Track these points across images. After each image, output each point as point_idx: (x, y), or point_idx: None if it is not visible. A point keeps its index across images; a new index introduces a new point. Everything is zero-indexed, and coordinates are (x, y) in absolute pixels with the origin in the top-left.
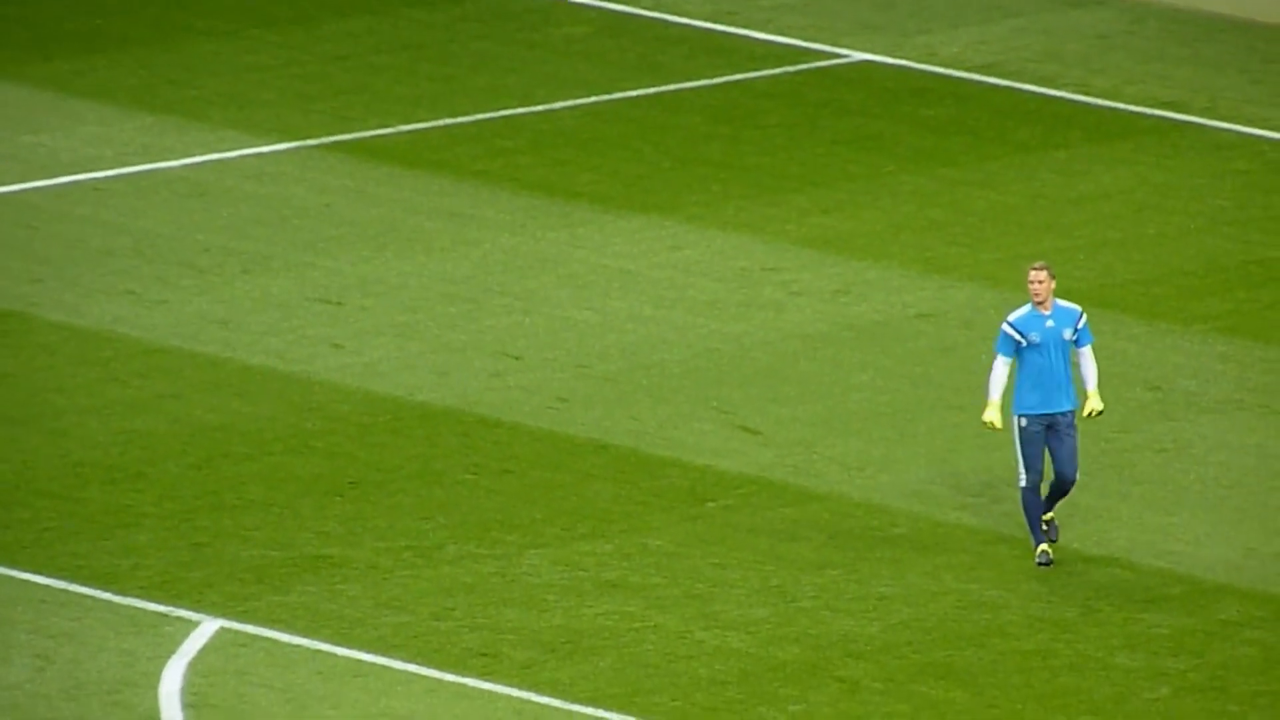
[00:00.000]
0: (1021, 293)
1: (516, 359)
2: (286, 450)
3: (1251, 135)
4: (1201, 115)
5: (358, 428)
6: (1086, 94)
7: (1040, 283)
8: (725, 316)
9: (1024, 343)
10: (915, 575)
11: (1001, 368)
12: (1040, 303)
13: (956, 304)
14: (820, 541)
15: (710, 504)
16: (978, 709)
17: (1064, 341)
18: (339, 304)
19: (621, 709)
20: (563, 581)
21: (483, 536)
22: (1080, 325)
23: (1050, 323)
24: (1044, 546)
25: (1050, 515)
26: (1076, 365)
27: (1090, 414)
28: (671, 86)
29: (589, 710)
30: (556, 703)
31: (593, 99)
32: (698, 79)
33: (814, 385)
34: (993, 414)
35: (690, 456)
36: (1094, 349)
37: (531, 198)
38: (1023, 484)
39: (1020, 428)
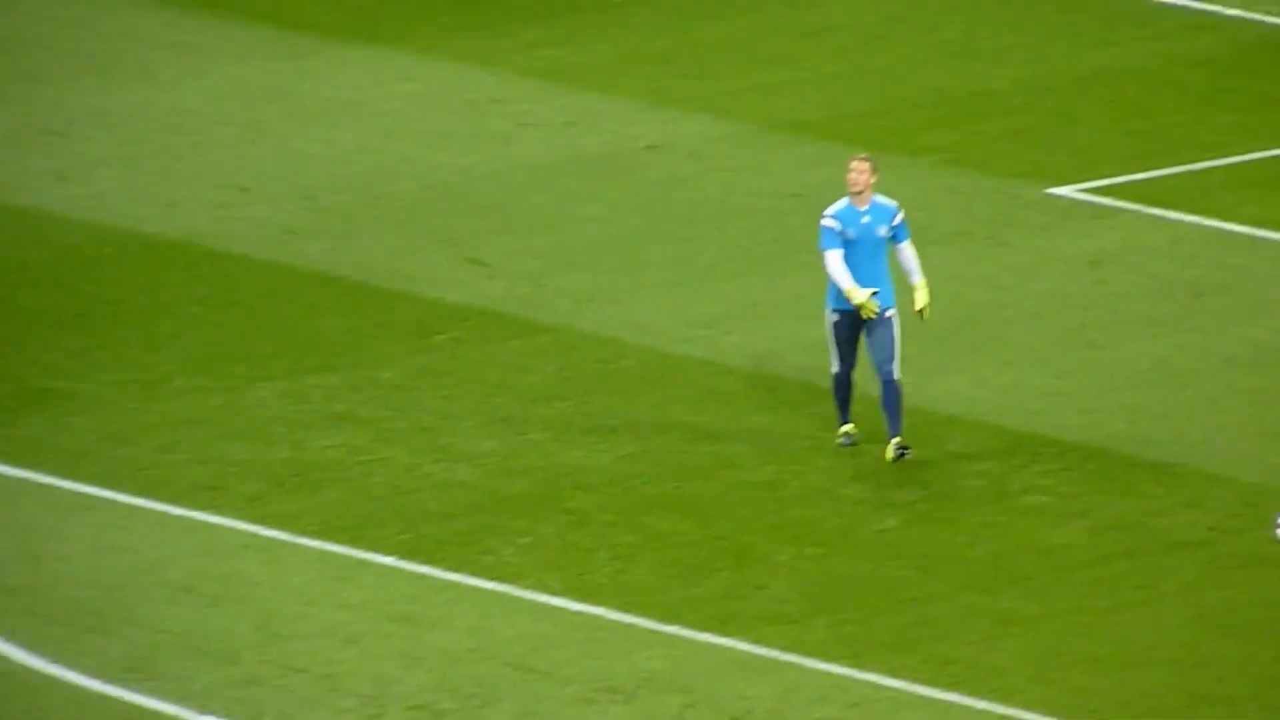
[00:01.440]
0: (749, 123)
1: (244, 191)
2: (12, 283)
3: None
4: None
5: (84, 259)
6: None
7: (861, 174)
8: (453, 148)
9: (841, 237)
10: (644, 408)
11: (837, 258)
12: (858, 194)
13: (685, 136)
14: (549, 374)
15: (439, 336)
16: (706, 540)
17: (879, 238)
18: (64, 135)
19: (349, 542)
20: (290, 414)
21: (210, 369)
22: (896, 222)
23: (866, 218)
24: (848, 428)
25: (898, 439)
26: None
27: (921, 310)
28: None
29: (316, 543)
30: (284, 535)
31: None
32: None
33: (542, 217)
34: (860, 295)
35: (418, 289)
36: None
37: (259, 29)
38: (834, 370)
39: (833, 322)
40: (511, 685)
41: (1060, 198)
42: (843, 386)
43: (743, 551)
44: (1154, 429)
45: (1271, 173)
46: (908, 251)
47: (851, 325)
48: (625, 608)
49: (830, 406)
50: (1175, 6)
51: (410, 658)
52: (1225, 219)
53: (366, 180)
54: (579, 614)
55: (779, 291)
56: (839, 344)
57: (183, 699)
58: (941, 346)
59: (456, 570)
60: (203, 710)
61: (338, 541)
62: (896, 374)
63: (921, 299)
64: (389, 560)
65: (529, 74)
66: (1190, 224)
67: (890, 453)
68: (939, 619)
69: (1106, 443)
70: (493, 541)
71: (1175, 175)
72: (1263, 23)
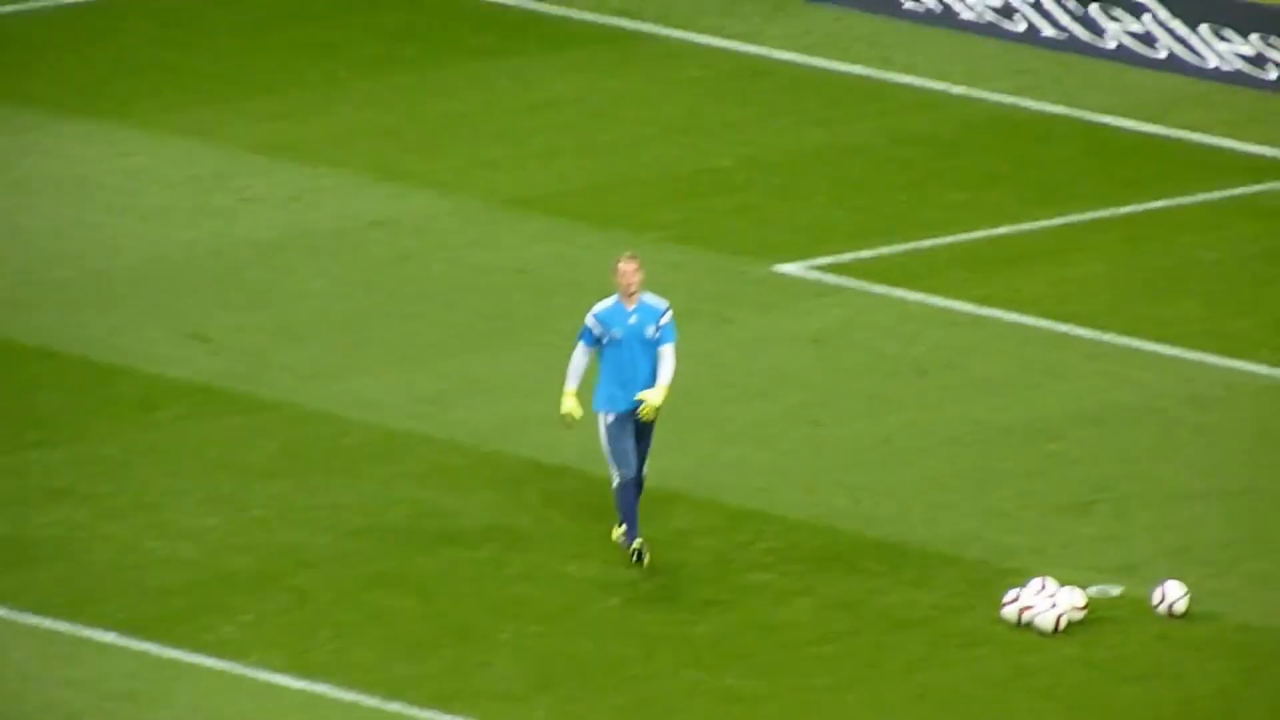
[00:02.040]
0: (474, 198)
1: None
2: None
3: (703, 44)
4: (654, 23)
5: None
6: (540, 1)
7: (632, 274)
8: (176, 224)
9: (605, 338)
10: (368, 484)
11: (581, 356)
12: (630, 294)
13: (410, 212)
14: (272, 450)
15: (160, 412)
16: (428, 617)
17: (646, 338)
18: None
19: (70, 618)
20: (9, 490)
21: None
22: (664, 322)
23: (634, 318)
24: (638, 544)
25: (640, 540)
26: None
27: (645, 408)
28: None
29: (36, 619)
30: (2, 612)
31: (37, 4)
32: None
33: (266, 293)
34: (569, 403)
35: (140, 365)
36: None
37: None
38: (615, 483)
39: (606, 424)
40: None
41: (785, 275)
42: (628, 495)
43: (465, 629)
44: (877, 507)
45: (996, 251)
46: (666, 355)
47: (623, 425)
48: (347, 685)
49: (555, 485)
50: (899, 84)
51: None
52: (949, 296)
53: (88, 255)
54: (301, 692)
55: (504, 368)
56: (615, 448)
57: None
58: (664, 424)
59: (178, 647)
60: None
61: (58, 618)
62: (644, 471)
63: (651, 397)
64: (110, 637)
65: (253, 148)
66: (914, 302)
67: (616, 535)
68: (662, 697)
69: (830, 520)
70: (214, 618)
71: (900, 253)
72: (987, 100)
